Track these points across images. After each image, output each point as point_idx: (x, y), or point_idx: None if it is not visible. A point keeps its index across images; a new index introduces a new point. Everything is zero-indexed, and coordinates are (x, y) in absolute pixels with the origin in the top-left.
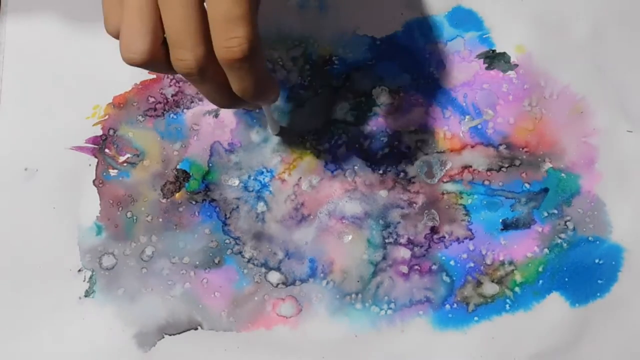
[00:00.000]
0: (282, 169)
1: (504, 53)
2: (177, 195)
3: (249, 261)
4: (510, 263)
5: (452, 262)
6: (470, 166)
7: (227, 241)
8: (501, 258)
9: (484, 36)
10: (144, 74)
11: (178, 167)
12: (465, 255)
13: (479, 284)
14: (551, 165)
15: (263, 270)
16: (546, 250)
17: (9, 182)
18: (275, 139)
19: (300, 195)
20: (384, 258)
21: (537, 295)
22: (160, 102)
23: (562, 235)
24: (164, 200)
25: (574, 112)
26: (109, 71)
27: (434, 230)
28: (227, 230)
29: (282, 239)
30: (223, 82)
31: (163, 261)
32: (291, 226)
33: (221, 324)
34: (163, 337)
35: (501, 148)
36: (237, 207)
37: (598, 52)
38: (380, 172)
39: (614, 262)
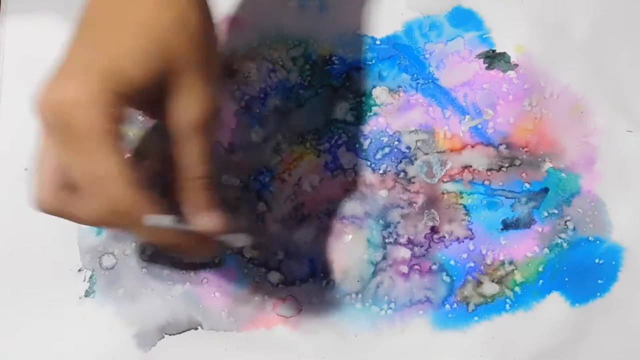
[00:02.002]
0: (282, 169)
1: (504, 53)
2: None
3: (249, 261)
4: (511, 263)
5: (452, 262)
6: (470, 166)
7: None
8: (501, 258)
9: (484, 36)
10: None
11: None
12: (465, 255)
13: (479, 283)
14: (551, 165)
15: (263, 270)
16: (546, 250)
17: (9, 182)
18: (275, 139)
19: (300, 195)
20: (384, 258)
21: (537, 295)
22: None
23: (562, 235)
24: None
25: (574, 112)
26: None
27: (434, 230)
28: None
29: (282, 239)
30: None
31: (163, 261)
32: (291, 226)
33: (221, 323)
34: (163, 337)
35: (501, 148)
36: (237, 207)
37: (598, 52)
38: (380, 172)
39: (614, 262)
